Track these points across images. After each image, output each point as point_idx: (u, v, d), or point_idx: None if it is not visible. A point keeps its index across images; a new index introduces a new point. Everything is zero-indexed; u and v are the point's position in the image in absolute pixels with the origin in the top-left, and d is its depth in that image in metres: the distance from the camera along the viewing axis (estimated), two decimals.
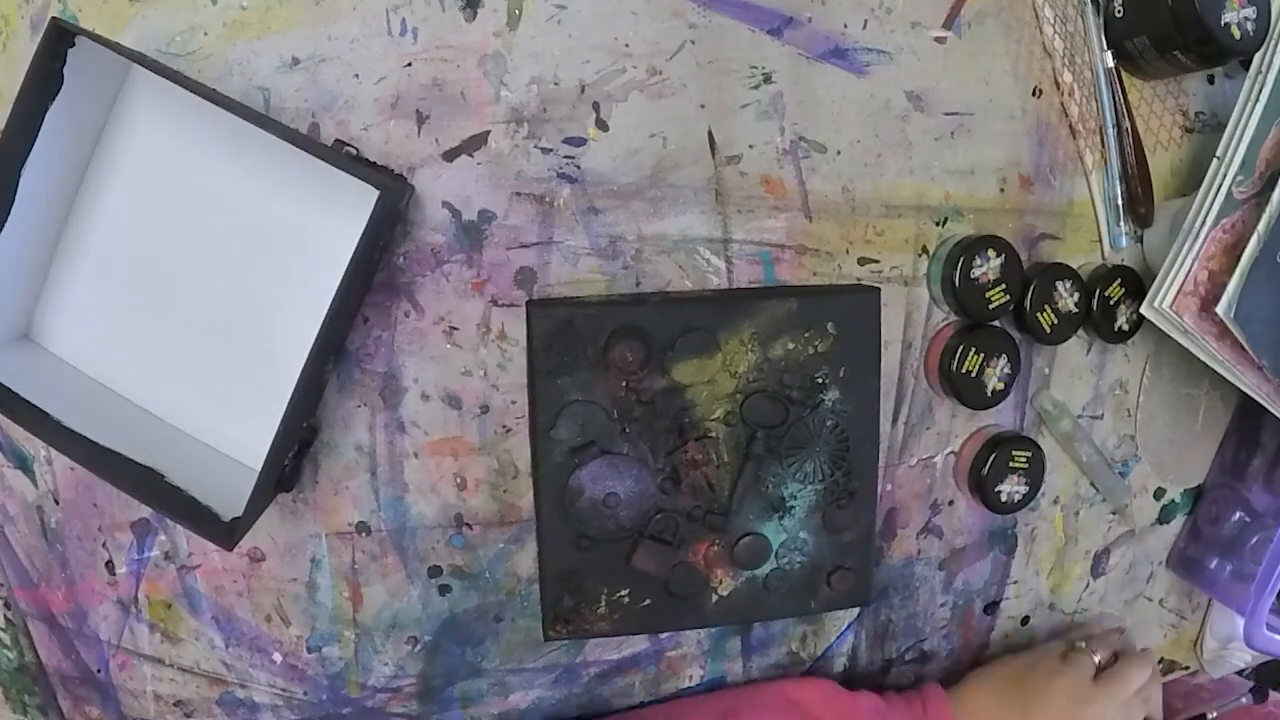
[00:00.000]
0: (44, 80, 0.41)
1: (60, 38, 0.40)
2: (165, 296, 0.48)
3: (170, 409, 0.50)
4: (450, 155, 0.49)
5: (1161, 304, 0.54)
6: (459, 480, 0.53)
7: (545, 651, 0.57)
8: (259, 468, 0.44)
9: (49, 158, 0.44)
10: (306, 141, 0.44)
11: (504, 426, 0.52)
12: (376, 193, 0.41)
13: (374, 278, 0.49)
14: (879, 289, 0.54)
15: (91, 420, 0.46)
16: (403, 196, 0.48)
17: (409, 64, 0.48)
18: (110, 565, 0.52)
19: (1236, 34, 0.52)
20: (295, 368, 0.43)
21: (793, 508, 0.54)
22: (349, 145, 0.47)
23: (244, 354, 0.49)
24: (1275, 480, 0.66)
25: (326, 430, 0.51)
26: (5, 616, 0.53)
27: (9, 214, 0.43)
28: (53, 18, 0.39)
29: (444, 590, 0.54)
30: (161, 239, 0.48)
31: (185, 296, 0.48)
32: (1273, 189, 0.53)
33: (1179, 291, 0.54)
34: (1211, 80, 0.62)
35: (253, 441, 0.49)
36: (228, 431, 0.50)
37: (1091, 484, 0.65)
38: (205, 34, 0.46)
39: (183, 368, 0.49)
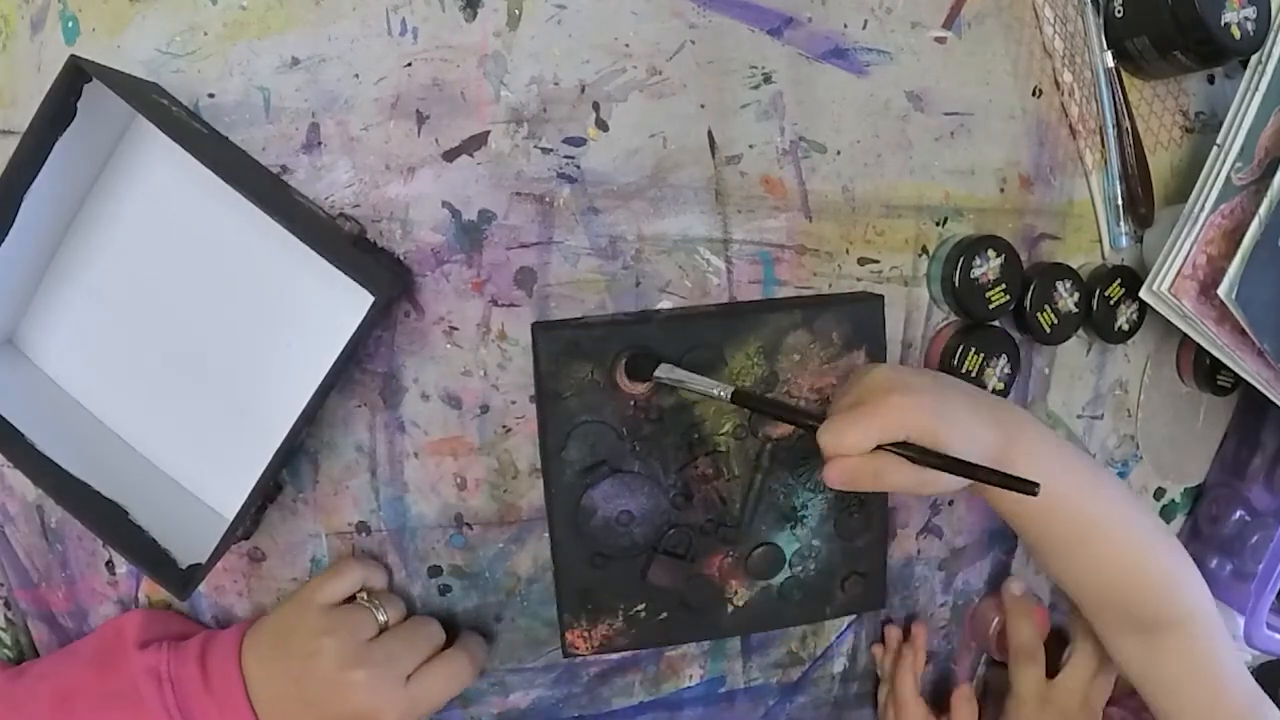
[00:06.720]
0: (55, 115, 0.41)
1: (76, 77, 0.40)
2: (155, 332, 0.48)
3: (143, 440, 0.49)
4: (450, 155, 0.49)
5: (1160, 287, 0.54)
6: (459, 480, 0.53)
7: (545, 651, 0.57)
8: (223, 511, 0.43)
9: (53, 185, 0.43)
10: (309, 232, 0.42)
11: (504, 426, 0.52)
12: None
13: (363, 354, 0.50)
14: (882, 297, 0.54)
15: (62, 439, 0.45)
16: (400, 290, 0.47)
17: (409, 64, 0.48)
18: (110, 565, 0.52)
19: (1236, 34, 0.52)
20: (272, 427, 0.43)
21: (805, 517, 0.54)
22: (360, 228, 0.47)
23: (224, 403, 0.48)
24: (1275, 479, 0.66)
25: (327, 430, 0.51)
26: (5, 616, 0.53)
27: (7, 234, 0.43)
28: (71, 55, 0.39)
29: (444, 590, 0.54)
30: (160, 276, 0.48)
31: (175, 336, 0.48)
32: (1273, 175, 0.53)
33: (1177, 275, 0.54)
34: (1211, 80, 0.62)
35: (220, 486, 0.49)
36: (197, 473, 0.50)
37: None
38: (205, 34, 0.46)
39: (163, 403, 0.49)
